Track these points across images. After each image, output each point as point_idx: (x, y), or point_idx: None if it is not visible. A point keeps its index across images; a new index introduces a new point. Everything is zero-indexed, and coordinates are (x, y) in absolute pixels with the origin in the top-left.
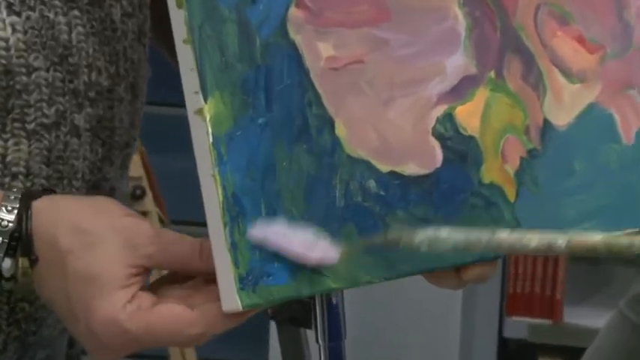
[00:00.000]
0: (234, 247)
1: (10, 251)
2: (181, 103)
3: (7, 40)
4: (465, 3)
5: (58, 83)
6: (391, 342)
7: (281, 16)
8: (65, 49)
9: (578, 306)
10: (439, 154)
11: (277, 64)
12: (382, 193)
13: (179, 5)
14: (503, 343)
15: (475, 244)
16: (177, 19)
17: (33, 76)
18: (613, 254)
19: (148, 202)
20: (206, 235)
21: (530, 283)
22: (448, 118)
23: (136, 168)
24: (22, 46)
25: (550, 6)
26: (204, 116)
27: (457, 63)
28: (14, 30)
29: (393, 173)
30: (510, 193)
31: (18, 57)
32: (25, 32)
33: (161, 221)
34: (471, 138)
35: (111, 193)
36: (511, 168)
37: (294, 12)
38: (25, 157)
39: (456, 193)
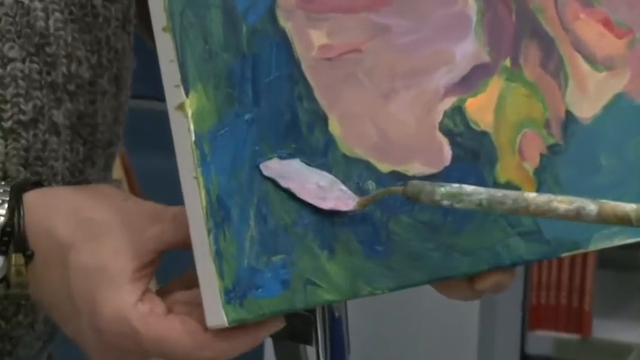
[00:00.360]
0: (219, 256)
1: (2, 248)
2: (163, 97)
3: None
4: None
5: (35, 75)
6: (400, 358)
7: (269, 0)
8: (42, 38)
9: (608, 318)
10: (447, 152)
11: (265, 54)
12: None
13: None
14: None
15: (501, 202)
16: (156, 4)
17: (8, 67)
18: None
19: None
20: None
21: (556, 293)
22: (457, 111)
23: (115, 169)
24: None
25: None
26: (185, 112)
27: (467, 50)
28: None
29: (395, 174)
30: None
31: None
32: None
33: None
34: (484, 133)
35: None
36: (530, 166)
37: None
38: (1, 159)
39: None
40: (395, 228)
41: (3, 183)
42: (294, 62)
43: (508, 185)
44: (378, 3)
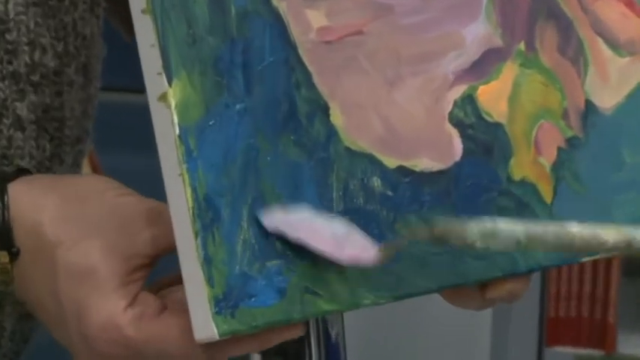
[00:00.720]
0: (207, 262)
1: None
2: (139, 88)
3: None
4: None
5: None
6: None
7: None
8: (1, 24)
9: (635, 332)
10: (458, 146)
11: (257, 38)
12: (389, 193)
13: None
14: None
15: (541, 239)
16: None
17: None
18: None
19: None
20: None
21: (576, 304)
22: (468, 100)
23: (83, 170)
24: None
25: None
26: (168, 102)
27: (478, 33)
28: None
29: (401, 169)
30: (546, 192)
31: None
32: None
33: None
34: (497, 125)
35: None
36: (547, 161)
37: None
38: None
39: (479, 192)
40: (401, 229)
41: None
42: (289, 46)
43: (523, 183)
44: None
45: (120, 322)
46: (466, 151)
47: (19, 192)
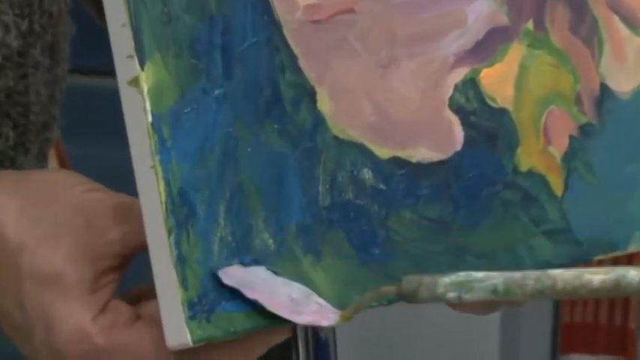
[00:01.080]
0: (181, 261)
1: None
2: (109, 71)
3: None
4: None
5: None
6: None
7: None
8: None
9: None
10: (459, 134)
11: (238, 16)
12: (382, 186)
13: None
14: None
15: (520, 285)
16: None
17: None
18: None
19: None
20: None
21: (594, 309)
22: (471, 84)
23: (49, 161)
24: None
25: None
26: (140, 87)
27: (481, 10)
28: None
29: (396, 160)
30: (556, 184)
31: None
32: None
33: None
34: (502, 111)
35: None
36: (557, 150)
37: None
38: None
39: (482, 185)
40: (395, 226)
41: None
42: (274, 25)
43: (531, 174)
44: None
45: (89, 331)
46: (468, 140)
47: None
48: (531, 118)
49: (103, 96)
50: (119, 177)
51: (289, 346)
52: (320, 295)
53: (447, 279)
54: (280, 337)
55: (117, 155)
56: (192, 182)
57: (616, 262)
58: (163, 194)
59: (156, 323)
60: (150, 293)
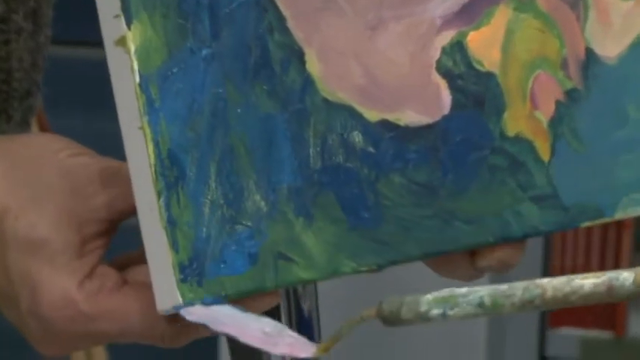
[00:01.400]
0: (171, 224)
1: None
2: (92, 41)
3: None
4: None
5: None
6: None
7: None
8: None
9: None
10: (446, 97)
11: None
12: (371, 149)
13: None
14: None
15: (507, 296)
16: None
17: None
18: None
19: None
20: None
21: None
22: (457, 47)
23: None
24: None
25: None
26: (127, 47)
27: None
28: None
29: (384, 123)
30: (543, 150)
31: None
32: None
33: None
34: (489, 75)
35: None
36: (544, 115)
37: None
38: None
39: (469, 149)
40: (385, 190)
41: None
42: None
43: (518, 139)
44: None
45: (75, 297)
46: (455, 104)
47: None
48: (518, 82)
49: (84, 67)
50: (102, 149)
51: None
52: (310, 258)
53: (429, 296)
54: (270, 300)
55: (99, 127)
56: (182, 143)
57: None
58: (152, 156)
59: (143, 288)
60: (138, 259)
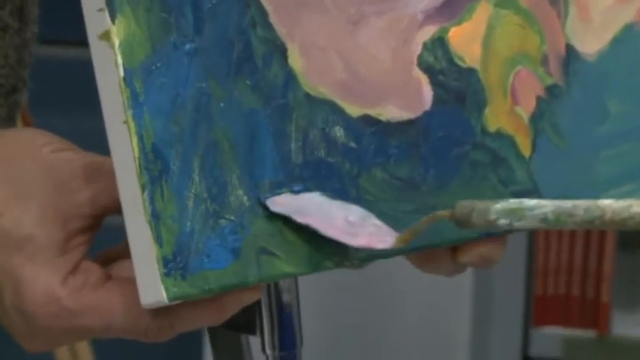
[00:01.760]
0: (155, 218)
1: None
2: (76, 40)
3: None
4: None
5: None
6: (368, 354)
7: None
8: None
9: (631, 312)
10: (428, 93)
11: None
12: (352, 144)
13: None
14: None
15: (570, 214)
16: None
17: None
18: None
19: None
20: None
21: (566, 280)
22: (439, 43)
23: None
24: None
25: None
26: (111, 41)
27: None
28: None
29: (366, 118)
30: (524, 145)
31: None
32: None
33: None
34: (471, 70)
35: None
36: (525, 111)
37: None
38: None
39: (451, 145)
40: (366, 185)
41: None
42: None
43: (499, 135)
44: None
45: (58, 293)
46: (436, 99)
47: None
48: (499, 78)
49: (70, 67)
50: (85, 148)
51: (254, 314)
52: (293, 253)
53: (498, 206)
54: (253, 295)
55: (83, 127)
56: (166, 138)
57: None
58: (136, 149)
59: (127, 283)
60: (122, 254)
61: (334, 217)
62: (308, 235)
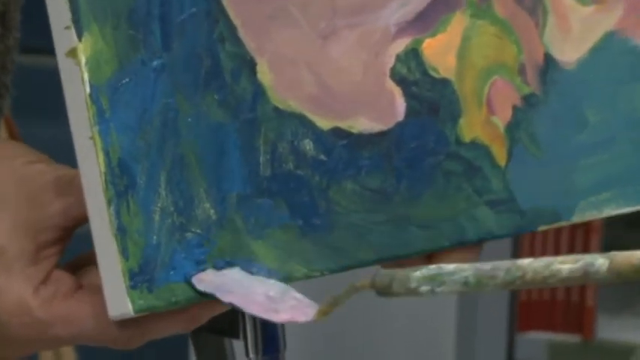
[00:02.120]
0: (121, 231)
1: None
2: (51, 50)
3: None
4: None
5: None
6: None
7: None
8: None
9: (615, 316)
10: (400, 104)
11: None
12: (323, 157)
13: None
14: None
15: (491, 277)
16: None
17: None
18: None
19: None
20: None
21: None
22: (412, 55)
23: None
24: None
25: None
26: (78, 59)
27: None
28: None
29: (337, 131)
30: (500, 155)
31: None
32: None
33: None
34: (445, 81)
35: None
36: (500, 121)
37: None
38: None
39: (424, 155)
40: (336, 197)
41: None
42: None
43: (474, 145)
44: None
45: (30, 304)
46: (409, 111)
47: None
48: (474, 88)
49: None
50: (67, 157)
51: (237, 316)
52: (262, 264)
53: (417, 273)
54: (219, 308)
55: (65, 135)
56: (132, 153)
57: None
58: (102, 165)
59: (97, 292)
60: (93, 260)
61: (255, 293)
62: (276, 247)
